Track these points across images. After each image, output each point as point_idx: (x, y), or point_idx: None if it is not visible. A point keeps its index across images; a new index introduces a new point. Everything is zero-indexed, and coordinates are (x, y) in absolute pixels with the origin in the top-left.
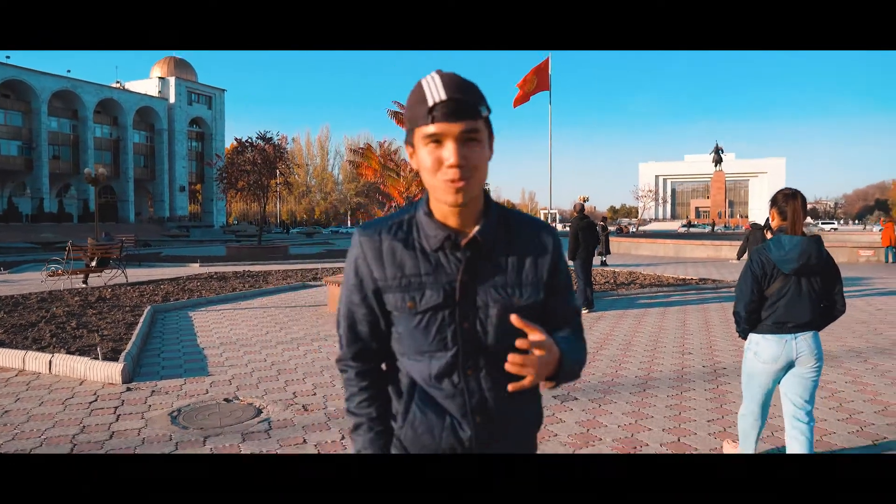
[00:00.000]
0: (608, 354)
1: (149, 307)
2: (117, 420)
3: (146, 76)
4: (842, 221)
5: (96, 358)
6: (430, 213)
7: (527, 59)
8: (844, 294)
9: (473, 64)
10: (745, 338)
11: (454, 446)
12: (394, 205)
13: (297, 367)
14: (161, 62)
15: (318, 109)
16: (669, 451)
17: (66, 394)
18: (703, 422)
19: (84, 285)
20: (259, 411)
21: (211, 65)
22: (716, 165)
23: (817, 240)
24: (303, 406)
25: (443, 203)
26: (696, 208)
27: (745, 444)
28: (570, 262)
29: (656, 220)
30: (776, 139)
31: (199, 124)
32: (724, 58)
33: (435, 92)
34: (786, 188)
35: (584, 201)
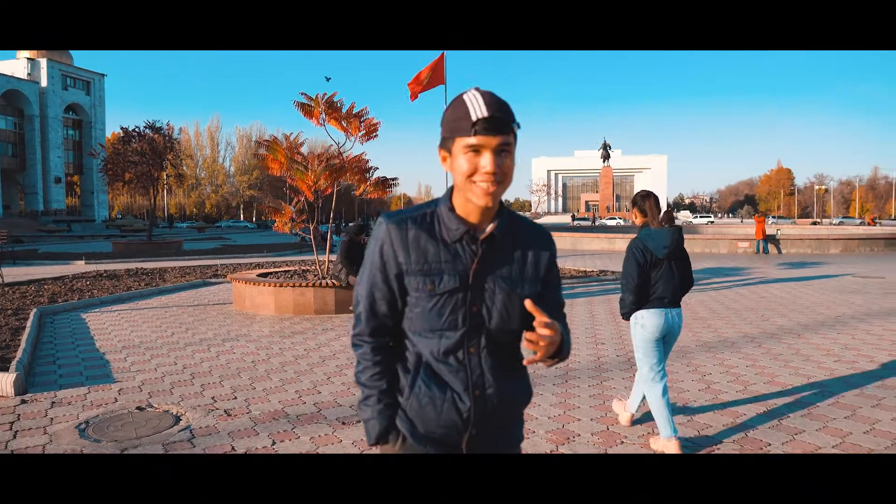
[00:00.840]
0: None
1: (34, 309)
2: (15, 437)
3: (13, 56)
4: (719, 215)
5: None
6: (452, 209)
7: (420, 58)
8: (728, 278)
9: (368, 61)
10: (627, 319)
11: (454, 417)
12: (302, 199)
13: (211, 369)
14: None
15: (207, 98)
16: (600, 440)
17: None
18: None
19: None
20: (177, 419)
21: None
22: (604, 161)
23: (679, 229)
24: (225, 411)
25: (472, 203)
26: (587, 202)
27: (665, 426)
28: None
29: (549, 213)
30: (659, 137)
31: (76, 111)
32: (611, 57)
33: (478, 108)
34: (641, 191)
35: None
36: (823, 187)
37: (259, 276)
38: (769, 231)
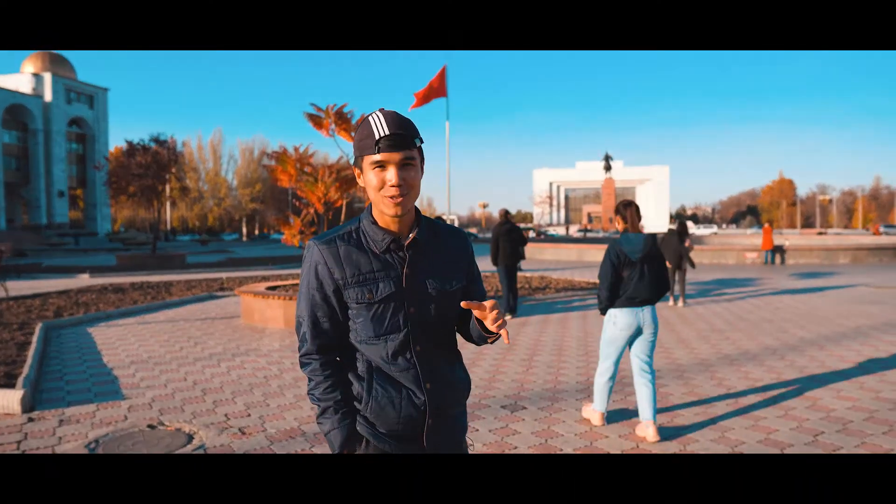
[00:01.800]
0: (544, 361)
1: (40, 324)
2: None
3: (16, 70)
4: (724, 225)
5: None
6: (374, 222)
7: (420, 58)
8: (741, 289)
9: (370, 63)
10: (604, 313)
11: (412, 412)
12: (312, 210)
13: (222, 385)
14: (33, 57)
15: (208, 111)
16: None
17: None
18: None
19: None
20: (190, 437)
21: (90, 62)
22: (606, 172)
23: (652, 235)
24: (239, 429)
25: (385, 214)
26: (589, 214)
27: (599, 401)
28: (494, 268)
29: (551, 225)
30: (660, 148)
31: (79, 125)
32: (611, 68)
33: (380, 127)
34: (623, 199)
35: (484, 207)
36: (827, 197)
37: (268, 289)
38: (777, 242)
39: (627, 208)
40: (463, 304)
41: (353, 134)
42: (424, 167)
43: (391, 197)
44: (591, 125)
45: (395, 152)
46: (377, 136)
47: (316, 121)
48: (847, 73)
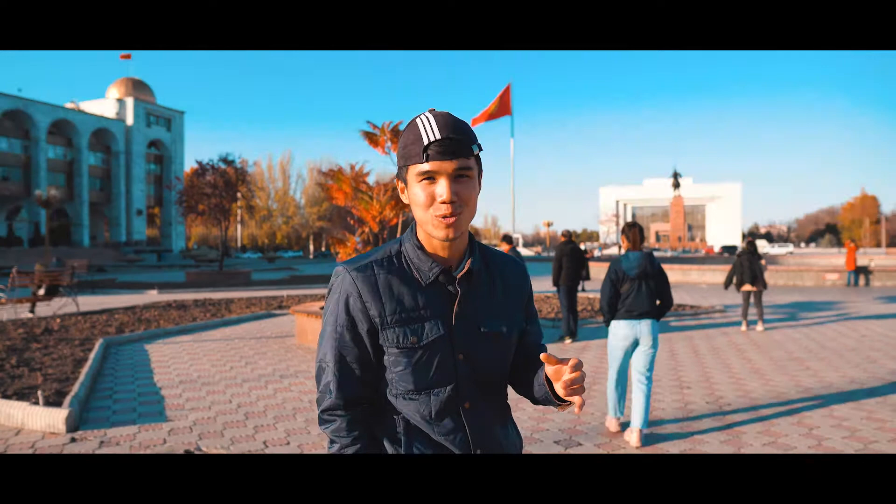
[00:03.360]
0: (603, 391)
1: (101, 340)
2: None
3: (102, 96)
4: (801, 244)
5: (36, 402)
6: (420, 247)
7: (483, 60)
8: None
9: (446, 66)
10: (608, 325)
11: None
12: (367, 229)
13: (265, 409)
14: (118, 83)
15: (280, 133)
16: None
17: None
18: None
19: (31, 315)
20: None
21: (170, 86)
22: (674, 190)
23: (650, 254)
24: None
25: (434, 237)
26: (657, 232)
27: (611, 407)
28: (554, 289)
29: (616, 244)
30: (732, 164)
31: (157, 147)
32: (682, 81)
33: (430, 131)
34: (628, 221)
35: (548, 226)
36: None
37: (322, 308)
38: (861, 262)
39: (632, 228)
40: (542, 356)
41: None
42: (482, 181)
43: (442, 216)
44: (659, 141)
45: (447, 160)
46: (426, 142)
47: (372, 138)
48: None
